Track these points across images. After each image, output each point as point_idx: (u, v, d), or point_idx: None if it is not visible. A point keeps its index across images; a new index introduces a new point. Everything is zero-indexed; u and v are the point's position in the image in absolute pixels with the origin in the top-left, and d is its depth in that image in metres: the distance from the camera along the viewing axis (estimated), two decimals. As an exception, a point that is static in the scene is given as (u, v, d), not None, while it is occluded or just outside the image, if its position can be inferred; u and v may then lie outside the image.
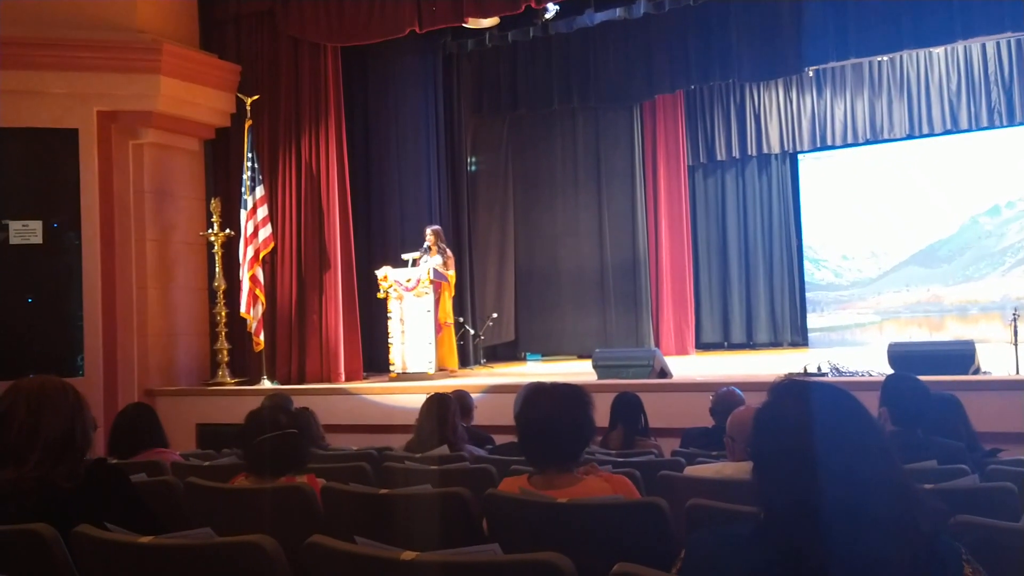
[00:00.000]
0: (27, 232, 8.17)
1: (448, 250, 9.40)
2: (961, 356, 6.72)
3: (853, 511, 1.42)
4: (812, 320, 12.46)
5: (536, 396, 2.71)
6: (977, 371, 6.68)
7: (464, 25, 9.13)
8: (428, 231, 9.26)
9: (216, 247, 8.98)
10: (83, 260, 8.28)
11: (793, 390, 1.56)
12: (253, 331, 8.80)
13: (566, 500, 2.49)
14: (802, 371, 7.34)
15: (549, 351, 12.23)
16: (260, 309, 8.82)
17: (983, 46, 10.95)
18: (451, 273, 9.28)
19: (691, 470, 3.34)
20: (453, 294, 9.43)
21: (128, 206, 8.61)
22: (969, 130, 11.36)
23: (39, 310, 8.23)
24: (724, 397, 4.94)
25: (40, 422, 2.38)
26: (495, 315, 11.30)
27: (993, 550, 1.97)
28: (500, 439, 5.39)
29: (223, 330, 8.91)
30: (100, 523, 2.20)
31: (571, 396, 2.67)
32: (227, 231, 8.98)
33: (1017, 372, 6.73)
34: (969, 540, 1.60)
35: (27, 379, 2.49)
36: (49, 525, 2.19)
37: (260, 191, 8.87)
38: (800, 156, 12.54)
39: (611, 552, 1.91)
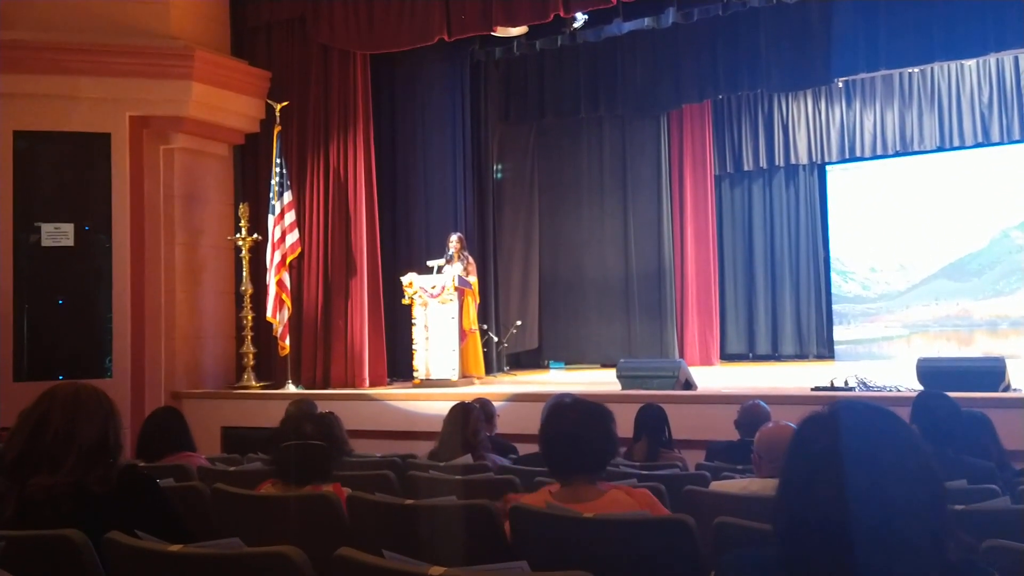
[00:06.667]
0: (59, 234, 8.28)
1: (470, 257, 9.41)
2: (991, 373, 6.62)
3: (884, 536, 1.40)
4: (839, 333, 12.34)
5: (559, 410, 2.84)
6: (1007, 388, 6.58)
7: (492, 33, 9.17)
8: (453, 238, 9.28)
9: (244, 252, 9.05)
10: (113, 263, 8.38)
11: (831, 412, 1.53)
12: (279, 335, 8.87)
13: (592, 515, 2.49)
14: (829, 384, 7.28)
15: (572, 359, 12.21)
16: (286, 314, 8.89)
17: (1016, 58, 10.82)
18: (473, 279, 9.29)
19: (717, 485, 3.31)
20: (478, 301, 9.44)
21: (158, 210, 8.71)
22: (1001, 143, 11.24)
23: (69, 312, 8.34)
24: (750, 411, 4.91)
25: (75, 428, 2.41)
26: (519, 322, 11.27)
27: (1026, 576, 1.94)
28: (524, 448, 5.39)
29: (249, 334, 8.97)
30: (131, 529, 2.23)
31: (593, 412, 2.78)
32: (255, 236, 9.05)
33: (1048, 390, 6.62)
34: (1000, 565, 1.58)
35: (61, 385, 2.53)
36: (81, 531, 2.22)
37: (288, 196, 8.94)
38: (828, 167, 12.45)
39: (638, 569, 1.91)
